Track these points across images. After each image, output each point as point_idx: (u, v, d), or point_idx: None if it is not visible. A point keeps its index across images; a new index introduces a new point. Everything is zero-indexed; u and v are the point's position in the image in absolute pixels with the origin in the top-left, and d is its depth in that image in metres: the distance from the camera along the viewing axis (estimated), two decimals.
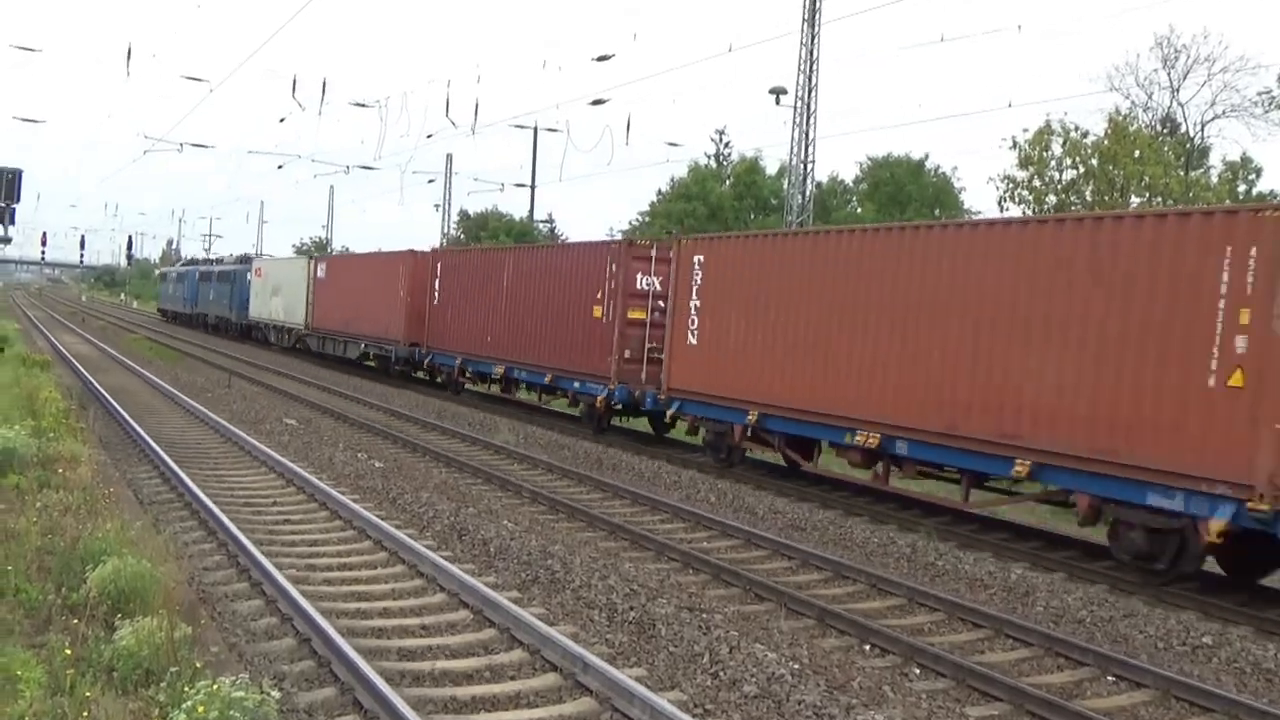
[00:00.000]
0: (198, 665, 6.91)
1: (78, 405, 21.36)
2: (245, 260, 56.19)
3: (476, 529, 12.97)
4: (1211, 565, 12.89)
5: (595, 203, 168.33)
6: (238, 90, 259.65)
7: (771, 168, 57.11)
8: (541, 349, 25.02)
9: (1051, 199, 31.74)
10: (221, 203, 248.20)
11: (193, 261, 77.28)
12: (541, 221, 65.21)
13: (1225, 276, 11.32)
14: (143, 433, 18.39)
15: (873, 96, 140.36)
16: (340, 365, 38.84)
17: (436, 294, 30.91)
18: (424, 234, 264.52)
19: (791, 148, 34.91)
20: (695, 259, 19.79)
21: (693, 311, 19.79)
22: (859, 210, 54.11)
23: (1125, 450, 12.14)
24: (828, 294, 16.68)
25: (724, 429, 19.02)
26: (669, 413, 20.57)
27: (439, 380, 32.53)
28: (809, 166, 35.02)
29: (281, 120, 55.38)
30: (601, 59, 32.54)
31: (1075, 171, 31.69)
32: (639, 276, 22.19)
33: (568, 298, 24.12)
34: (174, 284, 72.53)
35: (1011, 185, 32.45)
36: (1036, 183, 32.08)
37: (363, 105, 41.67)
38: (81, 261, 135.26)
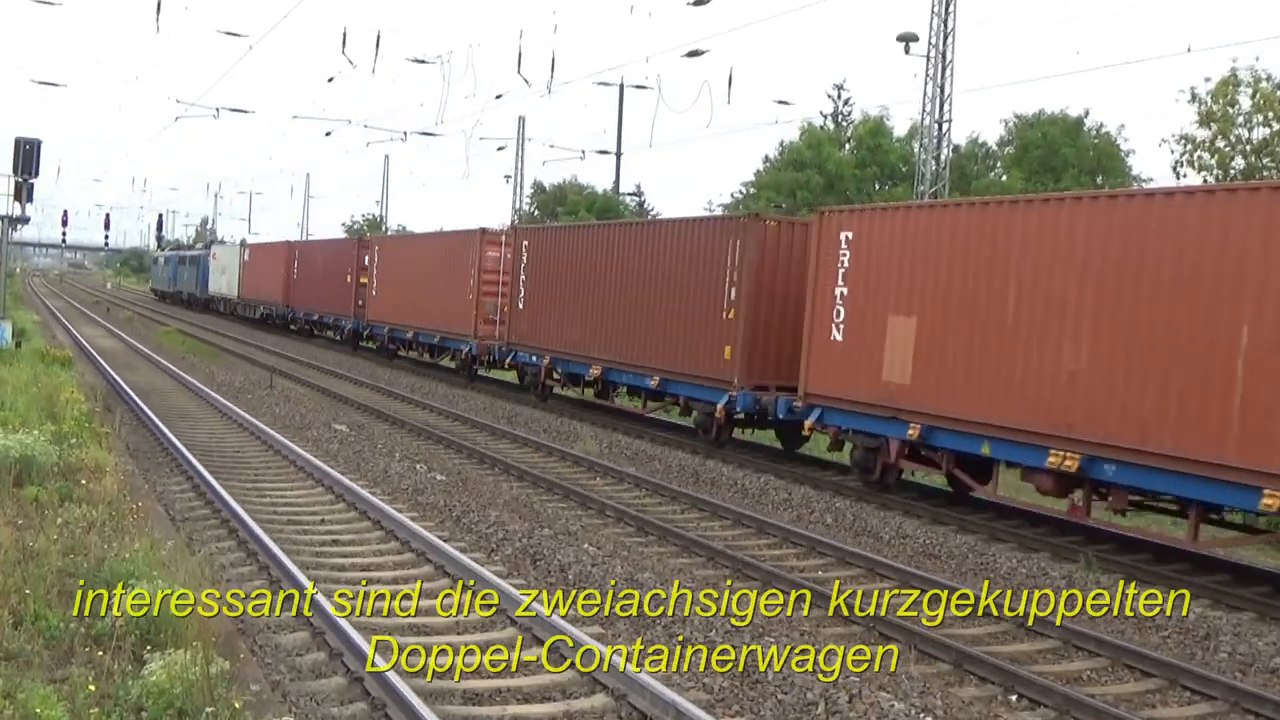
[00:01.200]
0: (236, 705, 7.08)
1: (102, 407, 22.04)
2: (208, 247, 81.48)
3: (553, 553, 13.09)
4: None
5: (691, 171, 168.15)
6: (280, 47, 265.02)
7: (900, 129, 56.58)
8: (329, 303, 48.60)
9: (1239, 162, 30.85)
10: (263, 175, 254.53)
11: (176, 247, 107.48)
12: (628, 194, 64.39)
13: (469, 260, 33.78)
14: (175, 439, 18.90)
15: (1021, 43, 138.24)
16: (252, 323, 60.66)
17: (295, 272, 53.91)
18: (492, 209, 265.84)
19: (923, 105, 34.59)
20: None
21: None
22: (1004, 178, 53.16)
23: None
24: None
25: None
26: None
27: (298, 330, 54.88)
28: (944, 127, 34.66)
29: (330, 80, 56.17)
30: (698, 3, 32.28)
31: (1268, 129, 30.74)
32: (365, 258, 44.22)
33: (332, 272, 47.87)
34: (162, 267, 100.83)
35: (1190, 146, 31.59)
36: (1220, 143, 31.18)
37: (422, 62, 42.08)
38: (106, 243, 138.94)
